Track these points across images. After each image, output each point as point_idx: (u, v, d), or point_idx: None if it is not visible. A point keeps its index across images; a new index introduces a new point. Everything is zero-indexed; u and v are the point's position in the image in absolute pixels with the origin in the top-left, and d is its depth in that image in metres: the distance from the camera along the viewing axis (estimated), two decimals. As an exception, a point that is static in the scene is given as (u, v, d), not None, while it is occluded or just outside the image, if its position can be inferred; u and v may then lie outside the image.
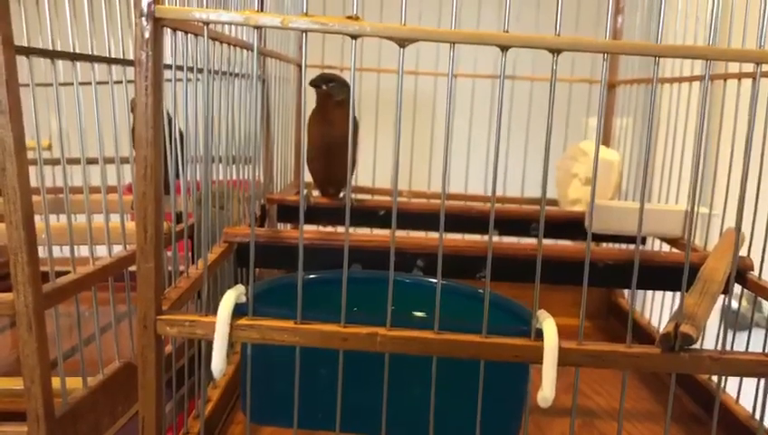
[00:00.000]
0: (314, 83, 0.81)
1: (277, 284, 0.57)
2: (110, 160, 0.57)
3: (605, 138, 1.05)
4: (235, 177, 0.66)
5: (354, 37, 0.39)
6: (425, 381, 0.43)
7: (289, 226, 0.91)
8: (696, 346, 0.42)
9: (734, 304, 0.84)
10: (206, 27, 0.41)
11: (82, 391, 0.54)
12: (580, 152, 0.95)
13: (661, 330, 0.43)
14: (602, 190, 0.89)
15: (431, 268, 0.64)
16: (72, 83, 0.53)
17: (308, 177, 0.88)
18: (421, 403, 0.44)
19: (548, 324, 0.42)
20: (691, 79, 0.80)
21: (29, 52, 0.46)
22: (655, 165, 0.87)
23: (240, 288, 0.44)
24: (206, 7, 0.55)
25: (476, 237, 0.82)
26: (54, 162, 0.54)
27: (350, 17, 0.39)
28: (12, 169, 0.43)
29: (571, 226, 0.84)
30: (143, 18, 0.39)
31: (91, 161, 0.55)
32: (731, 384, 0.64)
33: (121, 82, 0.58)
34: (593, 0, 0.97)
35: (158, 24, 0.39)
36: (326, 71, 0.86)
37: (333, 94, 0.81)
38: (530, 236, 0.85)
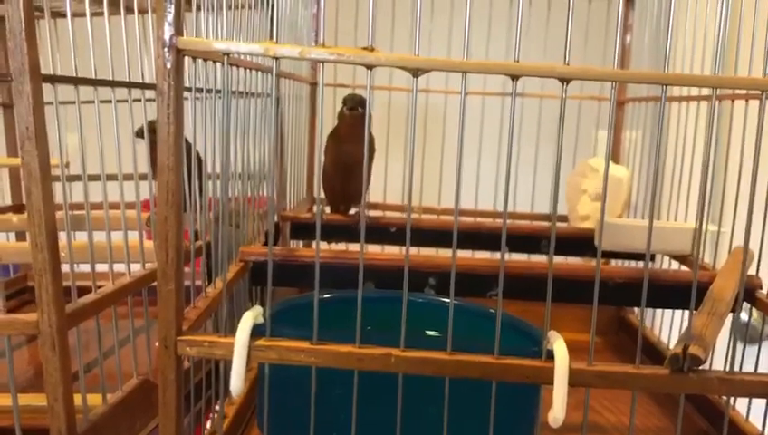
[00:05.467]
0: (351, 107, 0.81)
1: (293, 304, 0.58)
2: (128, 177, 0.59)
3: (614, 154, 1.06)
4: (249, 195, 0.67)
5: (369, 67, 0.40)
6: (438, 401, 0.44)
7: (301, 243, 0.92)
8: (706, 366, 0.43)
9: (745, 317, 0.85)
10: (226, 57, 0.42)
11: (103, 408, 0.55)
12: (589, 168, 0.96)
13: (670, 350, 0.43)
14: (611, 207, 0.90)
15: (443, 287, 0.65)
16: (93, 101, 0.54)
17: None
18: (435, 422, 0.45)
19: (559, 345, 0.43)
20: (699, 98, 0.81)
21: (54, 80, 0.48)
22: (664, 182, 0.87)
23: (258, 310, 0.45)
24: (223, 30, 0.57)
25: (486, 254, 0.83)
26: (74, 179, 0.56)
27: (365, 48, 0.40)
28: (37, 193, 0.44)
29: (580, 243, 0.85)
30: (165, 49, 0.40)
31: (110, 178, 0.56)
32: (742, 401, 0.64)
33: (140, 100, 0.60)
34: (602, 8, 0.98)
35: (180, 54, 0.41)
36: (339, 89, 0.88)
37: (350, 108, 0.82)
38: (540, 252, 0.85)
